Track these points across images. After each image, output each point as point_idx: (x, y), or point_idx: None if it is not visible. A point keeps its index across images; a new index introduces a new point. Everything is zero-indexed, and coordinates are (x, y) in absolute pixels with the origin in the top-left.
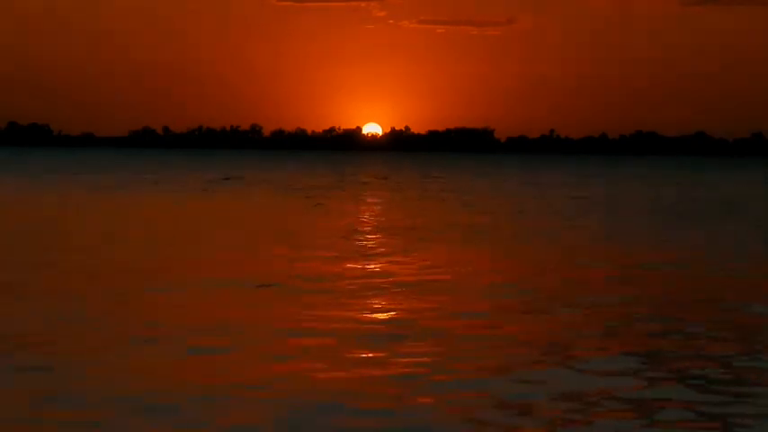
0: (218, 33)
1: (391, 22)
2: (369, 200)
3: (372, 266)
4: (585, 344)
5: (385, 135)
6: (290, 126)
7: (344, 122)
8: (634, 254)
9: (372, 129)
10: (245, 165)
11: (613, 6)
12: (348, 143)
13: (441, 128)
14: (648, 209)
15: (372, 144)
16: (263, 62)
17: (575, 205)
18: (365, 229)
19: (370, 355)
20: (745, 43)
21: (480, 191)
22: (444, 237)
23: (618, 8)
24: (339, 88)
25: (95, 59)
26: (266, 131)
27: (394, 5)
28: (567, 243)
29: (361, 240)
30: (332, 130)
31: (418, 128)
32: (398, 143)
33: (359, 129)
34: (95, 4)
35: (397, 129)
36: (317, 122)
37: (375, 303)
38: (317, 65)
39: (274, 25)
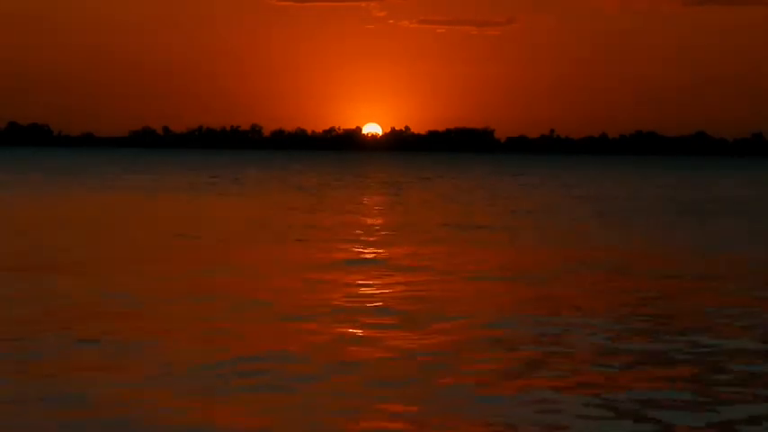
0: (218, 33)
1: (391, 22)
2: (414, 198)
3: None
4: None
5: (385, 135)
6: (290, 126)
7: (344, 122)
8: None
9: (372, 129)
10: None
11: (614, 6)
12: (348, 143)
13: (441, 128)
14: (680, 209)
15: (372, 144)
16: (263, 62)
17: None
18: (434, 225)
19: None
20: (745, 43)
21: (509, 191)
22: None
23: (618, 8)
24: (339, 88)
25: (95, 60)
26: (266, 131)
27: (394, 5)
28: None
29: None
30: (332, 130)
31: (418, 128)
32: (398, 143)
33: (359, 129)
34: (96, 6)
35: (397, 129)
36: (316, 122)
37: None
38: (318, 65)
39: (274, 25)
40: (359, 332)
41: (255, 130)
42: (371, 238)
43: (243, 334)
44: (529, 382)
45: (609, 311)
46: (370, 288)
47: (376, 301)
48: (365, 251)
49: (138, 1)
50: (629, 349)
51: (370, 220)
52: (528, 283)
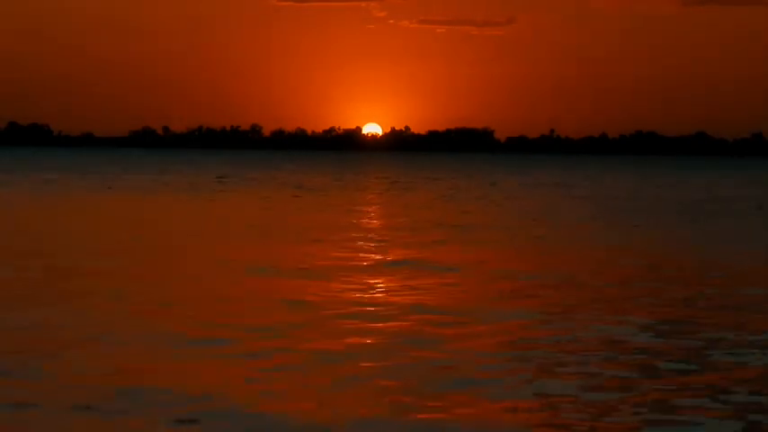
0: (219, 33)
1: (391, 22)
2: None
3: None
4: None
5: (385, 135)
6: (290, 126)
7: (344, 122)
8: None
9: (372, 129)
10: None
11: (614, 6)
12: (348, 143)
13: (441, 128)
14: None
15: (372, 144)
16: (263, 62)
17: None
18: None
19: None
20: (746, 43)
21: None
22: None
23: (618, 8)
24: (339, 88)
25: (96, 59)
26: (266, 131)
27: (394, 5)
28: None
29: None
30: (332, 130)
31: (418, 128)
32: (398, 143)
33: (359, 129)
34: (97, 7)
35: (397, 129)
36: (316, 122)
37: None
38: (317, 65)
39: (274, 25)
40: (408, 333)
41: (255, 130)
42: (382, 239)
43: (288, 333)
44: (593, 380)
45: (643, 311)
46: (406, 289)
47: (416, 302)
48: (381, 251)
49: (138, 1)
50: (688, 347)
51: (377, 221)
52: (560, 282)
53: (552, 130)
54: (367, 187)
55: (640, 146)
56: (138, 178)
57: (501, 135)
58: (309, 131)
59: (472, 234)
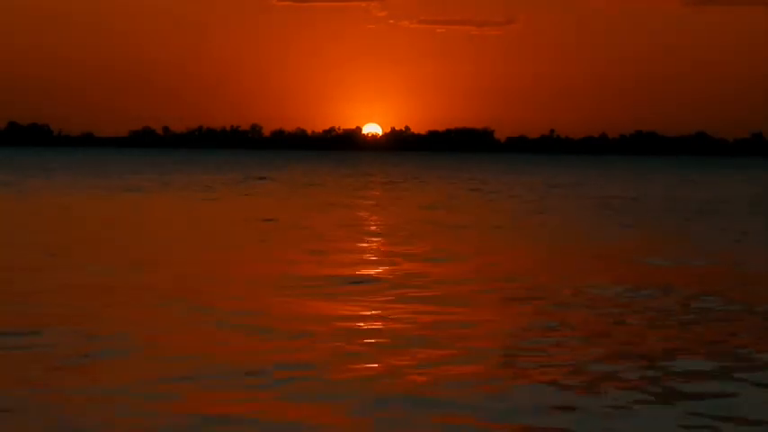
0: (219, 33)
1: (391, 22)
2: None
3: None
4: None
5: (385, 135)
6: (290, 126)
7: (344, 122)
8: None
9: (372, 129)
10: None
11: (613, 6)
12: (348, 143)
13: (441, 128)
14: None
15: (372, 144)
16: (264, 62)
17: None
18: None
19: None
20: (746, 43)
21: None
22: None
23: (618, 8)
24: (339, 88)
25: (96, 59)
26: (266, 131)
27: (394, 5)
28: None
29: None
30: (332, 130)
31: (418, 128)
32: (398, 143)
33: (359, 129)
34: (96, 5)
35: (397, 129)
36: (316, 122)
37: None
38: (318, 65)
39: (274, 25)
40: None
41: (255, 129)
42: (395, 240)
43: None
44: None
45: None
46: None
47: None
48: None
49: (139, 2)
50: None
51: (386, 220)
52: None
53: (552, 130)
54: (372, 186)
55: (640, 146)
56: (165, 178)
57: (501, 135)
58: (309, 131)
59: (490, 234)
